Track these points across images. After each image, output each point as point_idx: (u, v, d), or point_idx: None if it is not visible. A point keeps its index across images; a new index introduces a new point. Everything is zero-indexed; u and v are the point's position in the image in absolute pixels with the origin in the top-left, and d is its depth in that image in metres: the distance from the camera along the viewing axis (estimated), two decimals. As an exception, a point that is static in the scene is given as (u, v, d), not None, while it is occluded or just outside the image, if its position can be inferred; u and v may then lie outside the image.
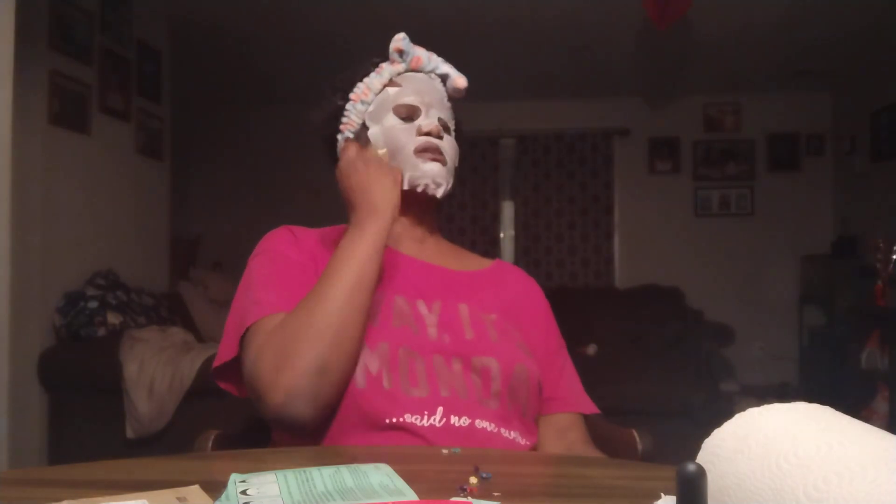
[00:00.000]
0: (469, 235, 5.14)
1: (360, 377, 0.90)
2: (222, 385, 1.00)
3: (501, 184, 5.33)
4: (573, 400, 1.08)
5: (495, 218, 5.29)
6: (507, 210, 5.39)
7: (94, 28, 3.09)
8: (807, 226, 5.02)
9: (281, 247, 1.02)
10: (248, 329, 0.93)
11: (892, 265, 3.17)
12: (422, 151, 1.03)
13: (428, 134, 1.04)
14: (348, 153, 0.99)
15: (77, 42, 2.97)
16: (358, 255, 0.92)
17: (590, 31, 3.84)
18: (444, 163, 1.04)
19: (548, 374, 1.07)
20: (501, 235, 5.37)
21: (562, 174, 5.26)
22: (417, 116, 1.06)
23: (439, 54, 1.11)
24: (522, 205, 5.27)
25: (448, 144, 1.06)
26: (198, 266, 4.53)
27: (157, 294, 3.35)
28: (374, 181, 0.96)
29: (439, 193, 1.05)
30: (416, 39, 1.10)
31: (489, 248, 5.12)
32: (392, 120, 1.06)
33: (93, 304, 2.82)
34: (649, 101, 5.15)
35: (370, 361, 0.91)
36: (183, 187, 4.83)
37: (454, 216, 5.19)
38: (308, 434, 0.90)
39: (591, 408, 1.10)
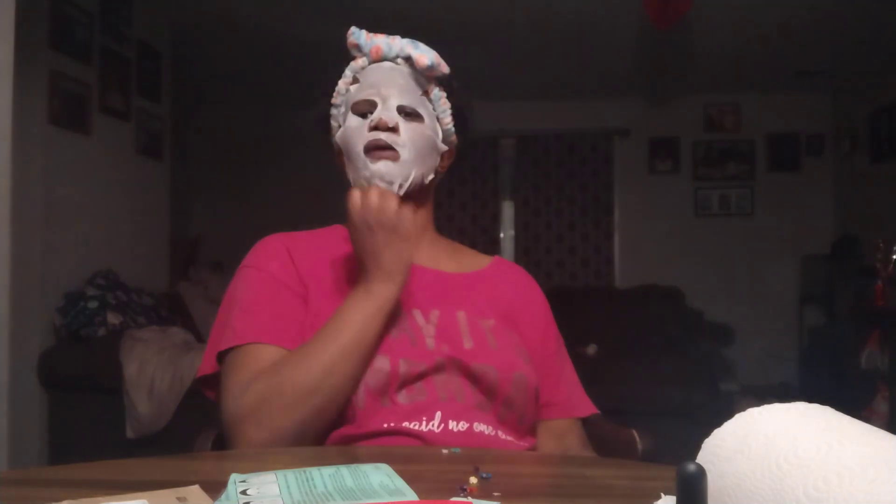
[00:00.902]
0: (469, 235, 5.14)
1: (360, 396, 0.89)
2: (207, 393, 1.00)
3: (501, 184, 5.33)
4: (571, 405, 1.08)
5: (495, 218, 5.29)
6: (507, 210, 5.39)
7: (94, 28, 3.08)
8: (807, 226, 5.02)
9: (270, 265, 1.00)
10: (223, 354, 0.93)
11: (892, 265, 3.17)
12: (370, 150, 0.98)
13: (376, 128, 0.98)
14: (353, 205, 0.92)
15: (77, 42, 2.97)
16: (359, 318, 0.89)
17: (590, 31, 3.84)
18: (395, 158, 0.97)
19: (546, 378, 1.05)
20: (501, 235, 5.38)
21: (562, 174, 5.26)
22: (374, 111, 1.00)
23: (439, 53, 1.05)
24: (522, 205, 5.27)
25: (406, 134, 0.99)
26: (198, 266, 4.52)
27: (157, 294, 3.35)
28: (385, 246, 0.91)
29: (395, 191, 0.98)
30: (414, 38, 1.08)
31: (489, 248, 5.12)
32: (351, 120, 1.02)
33: (93, 304, 2.82)
34: (649, 101, 5.15)
35: (369, 377, 0.90)
36: (183, 187, 4.83)
37: (454, 216, 5.19)
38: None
39: (590, 408, 1.09)
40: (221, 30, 3.86)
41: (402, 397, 0.91)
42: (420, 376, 0.92)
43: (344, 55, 1.08)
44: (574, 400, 1.09)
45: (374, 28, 1.08)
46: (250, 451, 0.85)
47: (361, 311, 0.89)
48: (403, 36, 1.06)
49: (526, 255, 5.21)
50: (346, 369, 0.87)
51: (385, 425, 0.88)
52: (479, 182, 5.23)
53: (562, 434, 1.06)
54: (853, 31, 3.80)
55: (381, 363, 0.91)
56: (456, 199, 5.20)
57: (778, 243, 5.01)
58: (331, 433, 0.90)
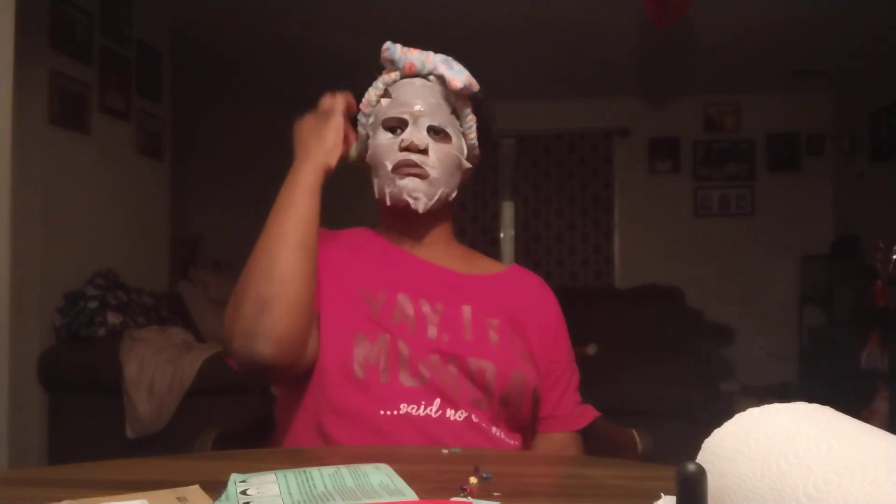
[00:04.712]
0: (469, 235, 5.14)
1: (357, 368, 0.92)
2: (229, 361, 1.03)
3: (501, 184, 5.33)
4: (574, 419, 1.08)
5: (495, 218, 5.28)
6: (507, 210, 5.39)
7: (94, 28, 3.08)
8: (807, 226, 5.02)
9: None
10: None
11: (892, 265, 3.17)
12: (398, 168, 1.02)
13: (407, 149, 1.02)
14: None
15: (77, 42, 2.97)
16: (285, 193, 0.98)
17: (590, 31, 3.84)
18: (423, 176, 1.03)
19: (552, 390, 1.06)
20: (501, 235, 5.37)
21: (562, 174, 5.26)
22: (405, 128, 1.04)
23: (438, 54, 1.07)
24: (522, 205, 5.27)
25: (435, 155, 1.03)
26: (198, 266, 4.52)
27: (157, 294, 3.35)
28: (310, 130, 1.03)
29: (420, 207, 1.03)
30: (415, 41, 1.08)
31: (489, 248, 5.12)
32: (381, 135, 1.05)
33: (93, 304, 2.82)
34: (649, 101, 5.15)
35: (369, 353, 0.93)
36: (183, 187, 4.83)
37: (454, 216, 5.17)
38: (287, 378, 0.95)
39: (592, 414, 1.09)
40: (221, 30, 3.86)
41: (403, 376, 0.93)
42: (419, 362, 0.94)
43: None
44: (576, 413, 1.09)
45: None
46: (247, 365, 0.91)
47: (285, 190, 0.99)
48: (405, 39, 1.07)
49: (526, 255, 5.20)
50: (285, 238, 0.94)
51: (382, 412, 0.89)
52: (479, 182, 5.23)
53: (561, 448, 1.06)
54: (853, 30, 3.79)
55: (382, 339, 0.94)
56: (456, 199, 5.17)
57: (778, 243, 5.01)
58: (335, 404, 0.91)
